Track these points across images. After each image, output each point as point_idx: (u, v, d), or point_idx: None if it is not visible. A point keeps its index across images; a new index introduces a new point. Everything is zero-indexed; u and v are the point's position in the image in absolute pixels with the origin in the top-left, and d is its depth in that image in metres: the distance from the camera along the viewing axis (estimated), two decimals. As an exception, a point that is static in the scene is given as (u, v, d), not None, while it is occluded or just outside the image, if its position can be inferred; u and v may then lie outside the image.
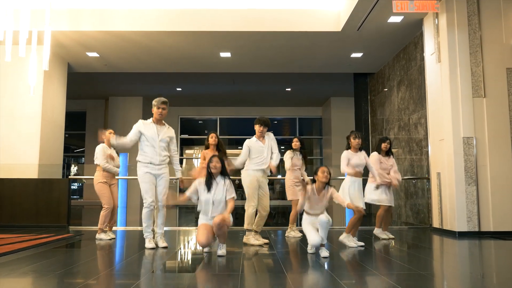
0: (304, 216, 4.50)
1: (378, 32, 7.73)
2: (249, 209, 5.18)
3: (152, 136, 4.79)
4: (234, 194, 4.48)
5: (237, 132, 16.06)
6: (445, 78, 6.44)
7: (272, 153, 5.31)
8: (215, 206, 4.42)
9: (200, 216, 4.54)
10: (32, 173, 8.02)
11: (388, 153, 5.84)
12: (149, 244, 4.77)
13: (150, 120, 4.93)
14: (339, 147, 6.07)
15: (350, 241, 5.01)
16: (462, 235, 6.01)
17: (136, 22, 7.71)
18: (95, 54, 8.94)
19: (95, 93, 13.99)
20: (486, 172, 6.20)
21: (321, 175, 4.37)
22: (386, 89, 9.71)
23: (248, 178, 5.21)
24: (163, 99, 4.90)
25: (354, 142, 5.15)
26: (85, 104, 14.86)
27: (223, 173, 4.51)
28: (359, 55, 9.02)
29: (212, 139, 5.94)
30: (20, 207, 7.25)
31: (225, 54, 8.95)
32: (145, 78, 11.62)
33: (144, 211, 4.78)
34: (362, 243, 5.03)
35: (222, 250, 4.33)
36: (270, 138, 5.40)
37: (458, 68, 6.34)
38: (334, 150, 13.93)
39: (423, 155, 7.69)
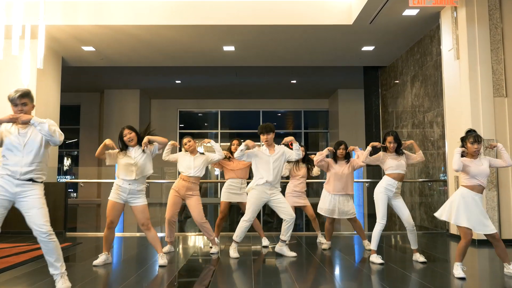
0: (382, 188, 4.74)
1: (392, 26, 7.30)
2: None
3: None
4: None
5: (239, 126, 15.66)
6: (464, 76, 6.06)
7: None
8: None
9: None
10: (26, 175, 7.64)
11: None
12: None
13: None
14: (347, 141, 5.78)
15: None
16: (481, 243, 5.66)
17: (134, 15, 7.27)
18: (91, 48, 8.50)
19: (90, 86, 13.49)
20: (507, 176, 5.86)
21: (388, 145, 4.87)
22: (398, 82, 9.30)
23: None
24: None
25: None
26: (79, 97, 14.26)
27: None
28: (370, 48, 8.58)
29: (233, 146, 5.57)
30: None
31: (229, 48, 8.52)
32: (142, 71, 11.12)
33: None
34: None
35: None
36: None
37: (478, 66, 5.97)
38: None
39: (439, 156, 7.33)
